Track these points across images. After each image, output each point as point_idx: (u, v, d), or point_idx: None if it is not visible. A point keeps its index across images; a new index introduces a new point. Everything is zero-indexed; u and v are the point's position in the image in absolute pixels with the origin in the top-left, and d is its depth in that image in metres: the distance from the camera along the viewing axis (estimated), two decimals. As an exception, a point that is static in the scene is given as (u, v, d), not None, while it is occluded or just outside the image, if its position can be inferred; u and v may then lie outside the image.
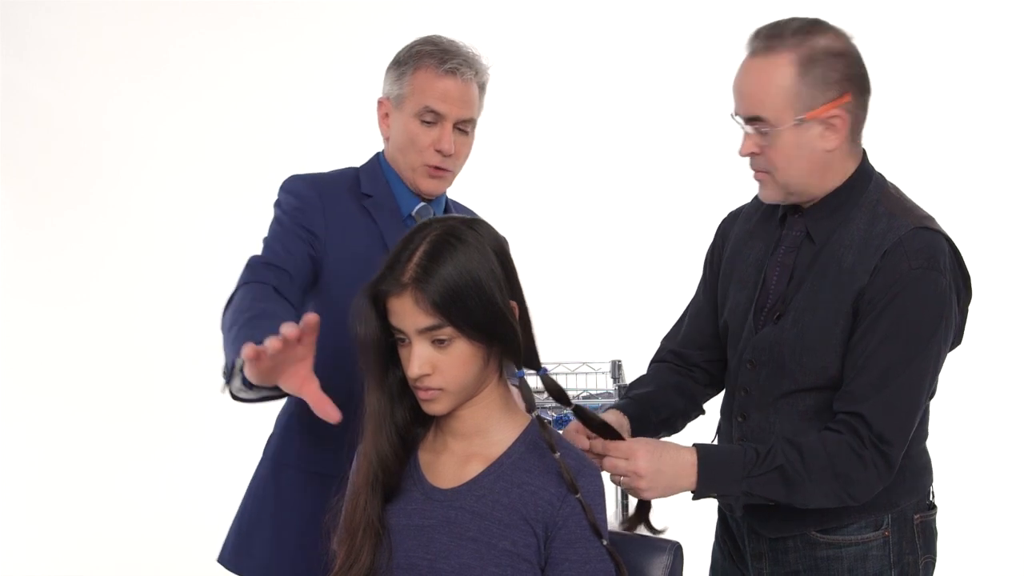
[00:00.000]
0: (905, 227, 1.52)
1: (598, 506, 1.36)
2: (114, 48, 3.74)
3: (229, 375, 1.41)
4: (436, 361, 1.31)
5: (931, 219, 1.56)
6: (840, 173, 1.58)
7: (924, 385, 1.53)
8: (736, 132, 1.62)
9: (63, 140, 3.77)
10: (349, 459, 1.46)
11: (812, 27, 1.54)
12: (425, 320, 1.29)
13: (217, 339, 1.57)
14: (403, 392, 1.39)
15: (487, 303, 1.31)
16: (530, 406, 1.36)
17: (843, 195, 1.58)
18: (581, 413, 1.51)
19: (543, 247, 3.31)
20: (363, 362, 1.37)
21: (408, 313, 1.30)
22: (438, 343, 1.31)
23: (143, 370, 3.74)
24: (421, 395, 1.34)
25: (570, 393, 2.50)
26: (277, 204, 1.80)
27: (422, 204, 1.82)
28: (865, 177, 1.59)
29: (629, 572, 1.40)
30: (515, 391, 1.40)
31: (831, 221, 1.58)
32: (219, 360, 1.46)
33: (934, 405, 1.65)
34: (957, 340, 1.61)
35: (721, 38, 1.76)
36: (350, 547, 1.36)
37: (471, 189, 2.02)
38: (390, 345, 1.36)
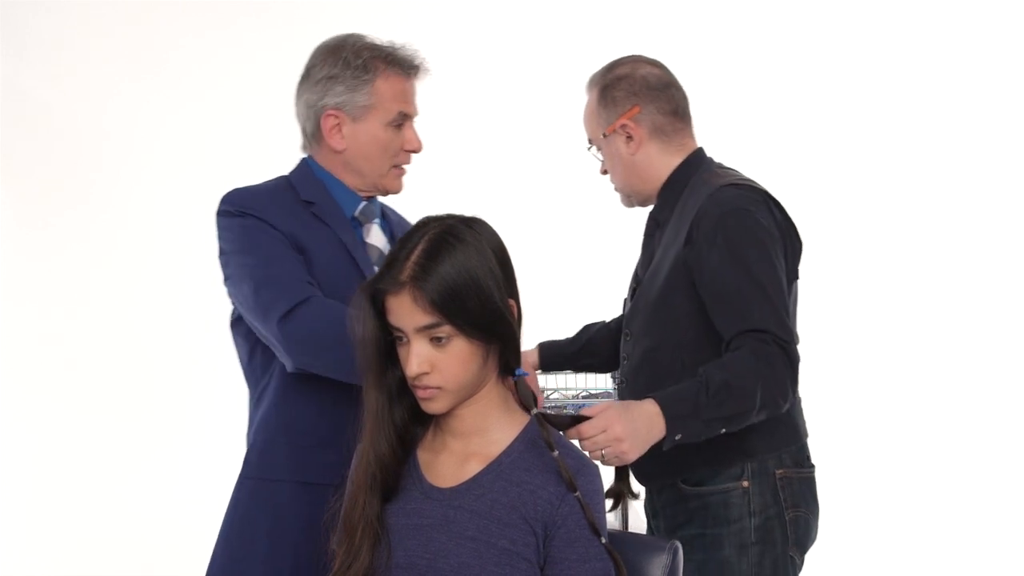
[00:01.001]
0: (714, 186, 1.76)
1: (597, 505, 1.36)
2: (114, 48, 3.74)
3: None
4: (435, 360, 1.31)
5: (746, 181, 1.78)
6: (662, 168, 1.86)
7: (775, 285, 1.67)
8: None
9: (63, 140, 3.77)
10: (347, 462, 1.46)
11: (617, 63, 1.88)
12: (423, 318, 1.29)
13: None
14: (402, 391, 1.39)
15: (485, 301, 1.31)
16: (528, 405, 1.36)
17: (673, 182, 1.86)
18: (544, 420, 1.41)
19: (542, 246, 3.31)
20: (361, 361, 1.37)
21: (406, 311, 1.30)
22: (436, 341, 1.31)
23: (143, 370, 3.74)
24: (420, 394, 1.34)
25: (569, 392, 2.51)
26: (244, 228, 1.72)
27: (364, 203, 1.82)
28: (692, 166, 1.86)
29: (628, 571, 1.40)
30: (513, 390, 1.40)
31: (668, 203, 1.86)
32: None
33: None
34: (793, 275, 1.78)
35: (717, 41, 1.77)
36: (349, 546, 1.36)
37: (472, 188, 2.03)
38: (389, 344, 1.36)
